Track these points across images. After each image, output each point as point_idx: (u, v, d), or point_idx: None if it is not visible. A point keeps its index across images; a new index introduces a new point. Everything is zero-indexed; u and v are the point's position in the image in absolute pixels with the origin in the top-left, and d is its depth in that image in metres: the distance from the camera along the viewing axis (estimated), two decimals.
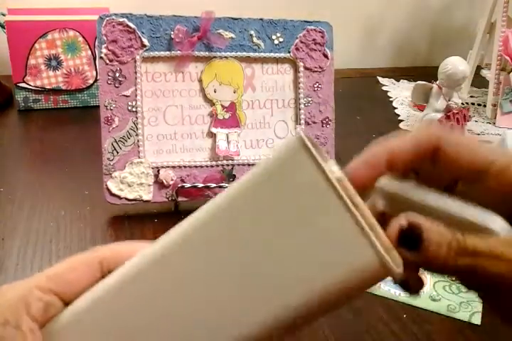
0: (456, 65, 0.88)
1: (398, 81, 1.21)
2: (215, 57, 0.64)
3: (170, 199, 0.63)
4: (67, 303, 0.26)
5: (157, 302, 0.24)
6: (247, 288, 0.22)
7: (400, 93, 1.13)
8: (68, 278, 0.26)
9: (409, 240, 0.22)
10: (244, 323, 0.22)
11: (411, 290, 0.25)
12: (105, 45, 0.60)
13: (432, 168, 0.26)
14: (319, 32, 0.66)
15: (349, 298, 0.23)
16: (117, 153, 0.62)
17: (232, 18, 0.64)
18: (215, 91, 0.64)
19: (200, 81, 0.64)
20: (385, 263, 0.21)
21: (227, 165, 0.65)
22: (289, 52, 0.66)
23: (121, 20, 0.60)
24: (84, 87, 0.93)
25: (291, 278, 0.22)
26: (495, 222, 0.23)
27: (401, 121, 0.99)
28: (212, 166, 0.64)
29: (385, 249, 0.21)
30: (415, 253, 0.22)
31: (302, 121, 0.66)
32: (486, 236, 0.23)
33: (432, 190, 0.25)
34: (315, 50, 0.66)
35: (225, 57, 0.64)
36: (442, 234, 0.22)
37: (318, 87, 0.67)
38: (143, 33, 0.61)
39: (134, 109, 0.62)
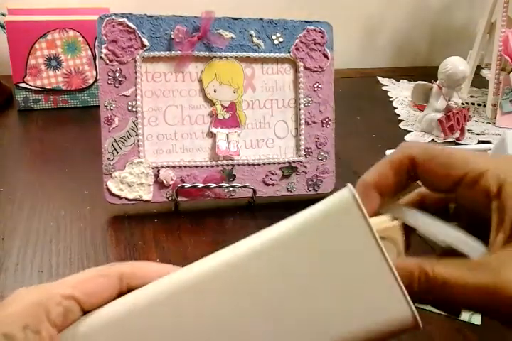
0: (456, 65, 0.88)
1: (398, 81, 1.21)
2: (215, 57, 0.64)
3: (170, 199, 0.63)
4: (85, 311, 0.26)
5: (190, 325, 0.24)
6: (283, 330, 0.24)
7: (400, 93, 1.13)
8: (89, 288, 0.26)
9: None
10: None
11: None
12: (105, 45, 0.60)
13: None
14: (319, 32, 0.66)
15: None
16: (117, 153, 0.62)
17: (232, 18, 0.64)
18: (215, 92, 0.64)
19: (200, 81, 0.64)
20: (417, 319, 0.23)
21: (227, 165, 0.65)
22: (289, 52, 0.66)
23: (121, 20, 0.60)
24: (84, 87, 0.93)
25: (328, 321, 0.23)
26: (467, 245, 0.25)
27: (401, 121, 0.99)
28: (212, 166, 0.64)
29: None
30: None
31: (302, 121, 0.66)
32: (458, 261, 0.24)
33: (422, 212, 0.27)
34: (315, 50, 0.66)
35: (225, 57, 0.64)
36: (410, 270, 0.24)
37: (318, 87, 0.67)
38: (143, 33, 0.61)
39: (134, 109, 0.62)
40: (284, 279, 0.24)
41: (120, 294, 0.26)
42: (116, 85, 0.61)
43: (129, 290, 0.26)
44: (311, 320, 0.23)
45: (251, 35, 0.64)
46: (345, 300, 0.23)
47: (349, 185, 0.25)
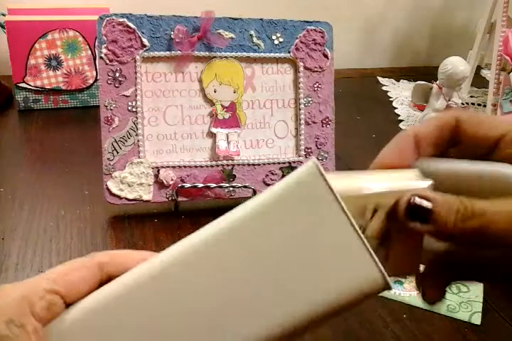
0: (456, 65, 0.88)
1: (398, 81, 1.21)
2: (215, 57, 0.64)
3: (170, 199, 0.63)
4: (67, 304, 0.26)
5: (171, 307, 0.24)
6: (257, 298, 0.24)
7: (400, 93, 1.13)
8: (70, 279, 0.26)
9: (420, 214, 0.24)
10: (251, 328, 0.24)
11: (430, 302, 0.27)
12: (105, 45, 0.60)
13: (458, 148, 0.28)
14: (319, 32, 0.66)
15: (351, 307, 0.25)
16: (117, 153, 0.62)
17: (232, 18, 0.64)
18: (215, 92, 0.65)
19: (200, 81, 0.64)
20: (387, 280, 0.23)
21: (227, 165, 0.65)
22: (289, 52, 0.66)
23: (121, 20, 0.60)
24: (84, 87, 0.93)
25: (301, 290, 0.24)
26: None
27: (401, 121, 0.99)
28: (212, 166, 0.64)
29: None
30: (427, 225, 0.24)
31: (302, 121, 0.66)
32: (497, 198, 0.24)
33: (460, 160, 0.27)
34: (315, 50, 0.66)
35: (225, 57, 0.64)
36: (449, 202, 0.24)
37: (318, 87, 0.67)
38: (143, 33, 0.61)
39: (134, 109, 0.62)
40: (251, 260, 0.24)
41: (102, 283, 0.26)
42: (116, 85, 0.61)
43: (110, 279, 0.26)
44: (285, 296, 0.24)
45: (251, 35, 0.64)
46: (317, 272, 0.24)
47: (313, 157, 0.25)
